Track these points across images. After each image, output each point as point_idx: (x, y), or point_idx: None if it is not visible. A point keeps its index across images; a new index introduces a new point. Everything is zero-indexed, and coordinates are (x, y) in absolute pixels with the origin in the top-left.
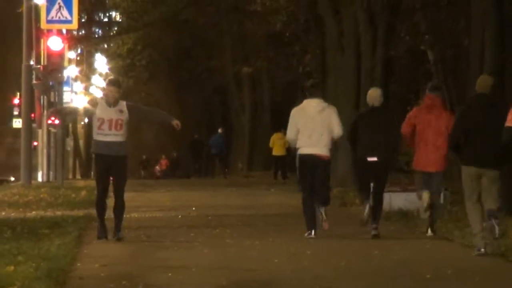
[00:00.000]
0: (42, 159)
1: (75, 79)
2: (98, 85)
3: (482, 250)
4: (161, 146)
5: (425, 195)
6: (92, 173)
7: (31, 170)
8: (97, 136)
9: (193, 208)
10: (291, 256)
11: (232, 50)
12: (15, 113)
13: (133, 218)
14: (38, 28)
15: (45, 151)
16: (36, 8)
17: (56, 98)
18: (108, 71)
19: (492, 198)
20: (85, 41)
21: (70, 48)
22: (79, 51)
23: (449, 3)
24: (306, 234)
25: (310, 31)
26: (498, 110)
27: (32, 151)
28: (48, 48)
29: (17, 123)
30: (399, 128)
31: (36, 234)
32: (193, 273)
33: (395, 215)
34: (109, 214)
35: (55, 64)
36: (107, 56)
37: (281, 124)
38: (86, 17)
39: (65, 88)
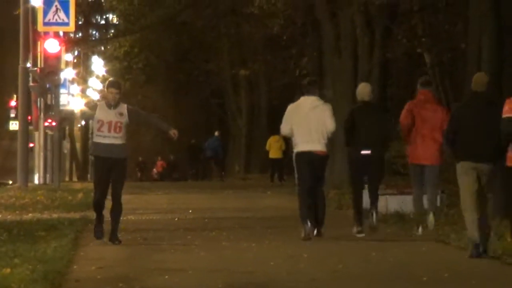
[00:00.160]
0: (38, 161)
1: (72, 82)
2: (95, 87)
3: (480, 248)
4: (158, 149)
5: (430, 218)
6: (88, 175)
7: (28, 172)
8: (97, 138)
9: (190, 211)
10: (287, 258)
11: (229, 53)
12: (12, 115)
13: (130, 220)
14: (35, 31)
15: (41, 153)
16: (33, 10)
17: (53, 101)
18: (105, 73)
19: (487, 198)
20: (82, 44)
21: (67, 51)
22: (76, 53)
23: (446, 6)
24: (302, 231)
25: (307, 34)
26: (494, 108)
27: (28, 154)
28: (45, 50)
29: (14, 126)
30: (390, 121)
31: (33, 237)
32: (189, 276)
33: (391, 218)
34: (106, 216)
35: (52, 67)
36: (104, 59)
37: (278, 127)
38: (83, 19)
39: (62, 91)
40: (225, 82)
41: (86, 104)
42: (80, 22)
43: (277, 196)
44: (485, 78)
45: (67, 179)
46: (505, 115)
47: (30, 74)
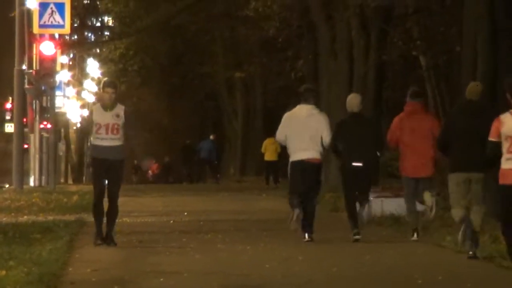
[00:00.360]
0: (34, 163)
1: (67, 84)
2: (91, 89)
3: (470, 252)
4: (153, 152)
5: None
6: (84, 178)
7: (23, 174)
8: (95, 141)
9: (185, 213)
10: (283, 261)
11: (224, 56)
12: (7, 117)
13: (125, 223)
14: (31, 33)
15: (37, 155)
16: (29, 12)
17: (48, 103)
18: (100, 75)
19: (478, 206)
20: (77, 46)
21: (62, 53)
22: (71, 55)
23: (441, 8)
24: (292, 226)
25: (303, 37)
26: (486, 117)
27: (24, 156)
28: (40, 52)
29: (9, 128)
30: (380, 131)
31: (28, 239)
32: (185, 278)
33: (387, 221)
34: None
35: (47, 69)
36: (99, 61)
37: (273, 130)
38: (78, 21)
39: (57, 93)
40: (220, 84)
41: (83, 121)
42: (75, 25)
43: (272, 198)
44: (479, 88)
45: (62, 181)
46: (490, 138)
47: (26, 76)
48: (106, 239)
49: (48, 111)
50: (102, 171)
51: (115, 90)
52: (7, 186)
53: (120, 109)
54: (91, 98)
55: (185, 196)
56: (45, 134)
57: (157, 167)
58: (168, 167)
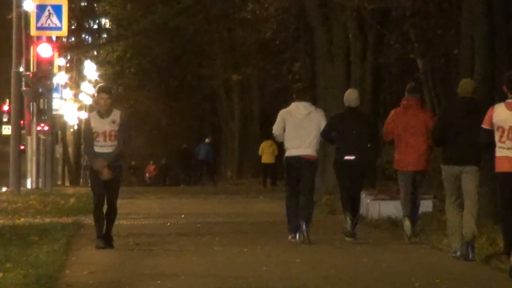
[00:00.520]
0: (31, 166)
1: (65, 86)
2: (88, 92)
3: (458, 253)
4: (150, 153)
5: (407, 223)
6: (81, 180)
7: (20, 177)
8: (95, 148)
9: (182, 216)
10: (280, 263)
11: (222, 58)
12: (4, 120)
13: (122, 225)
14: (28, 35)
15: (34, 158)
16: (26, 15)
17: (46, 105)
18: (97, 78)
19: (471, 200)
20: (74, 49)
21: (59, 55)
22: (68, 58)
23: (439, 11)
24: (289, 237)
25: (300, 39)
26: (478, 113)
27: (21, 158)
28: (37, 55)
29: (6, 130)
30: (376, 126)
31: (25, 241)
32: (181, 281)
33: (384, 223)
34: None
35: (44, 71)
36: (96, 63)
37: (270, 132)
38: (75, 24)
39: (55, 95)
40: (217, 87)
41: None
42: (73, 27)
43: (270, 201)
44: (471, 84)
45: (59, 183)
46: (483, 125)
47: (23, 79)
48: (104, 238)
49: (45, 113)
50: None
51: (110, 95)
52: (4, 189)
53: (116, 115)
54: (88, 101)
55: (182, 199)
56: (42, 136)
57: (154, 169)
58: (165, 169)
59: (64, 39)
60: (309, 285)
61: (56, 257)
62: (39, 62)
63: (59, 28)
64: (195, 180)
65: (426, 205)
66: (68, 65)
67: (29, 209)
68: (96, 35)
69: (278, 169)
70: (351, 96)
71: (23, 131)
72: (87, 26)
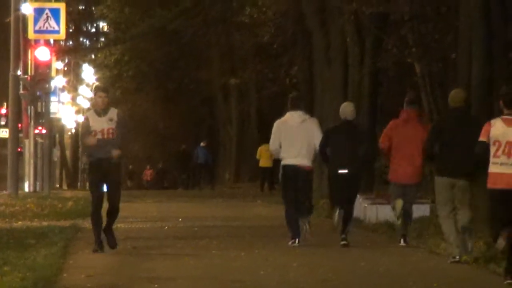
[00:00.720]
0: (29, 169)
1: (62, 90)
2: (86, 95)
3: (457, 257)
4: (148, 156)
5: (398, 202)
6: (78, 183)
7: (18, 180)
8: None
9: (180, 219)
10: (277, 267)
11: (219, 62)
12: (2, 123)
13: (120, 228)
14: (26, 38)
15: (31, 161)
16: (24, 18)
17: (43, 108)
18: (95, 81)
19: (464, 209)
20: (72, 52)
21: (57, 59)
22: (66, 61)
23: (437, 16)
24: (290, 243)
25: (298, 43)
26: (470, 124)
27: (18, 161)
28: (35, 58)
29: (4, 133)
30: (372, 140)
31: (23, 244)
32: (179, 284)
33: (381, 227)
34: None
35: (42, 75)
36: (94, 67)
37: (268, 136)
38: (73, 27)
39: (52, 98)
40: (215, 90)
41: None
42: (70, 30)
43: (267, 205)
44: (462, 94)
45: (57, 186)
46: (480, 138)
47: (21, 82)
48: (104, 231)
49: (43, 116)
50: (100, 176)
51: (107, 94)
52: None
53: (113, 113)
54: (86, 104)
55: (179, 202)
56: (39, 140)
57: (150, 174)
58: (162, 173)
59: (62, 43)
60: None
61: (53, 260)
62: (37, 65)
63: (57, 32)
64: (194, 184)
65: (423, 210)
66: (66, 68)
67: (26, 212)
68: (94, 39)
69: (276, 173)
70: (347, 109)
71: (20, 134)
72: (85, 29)
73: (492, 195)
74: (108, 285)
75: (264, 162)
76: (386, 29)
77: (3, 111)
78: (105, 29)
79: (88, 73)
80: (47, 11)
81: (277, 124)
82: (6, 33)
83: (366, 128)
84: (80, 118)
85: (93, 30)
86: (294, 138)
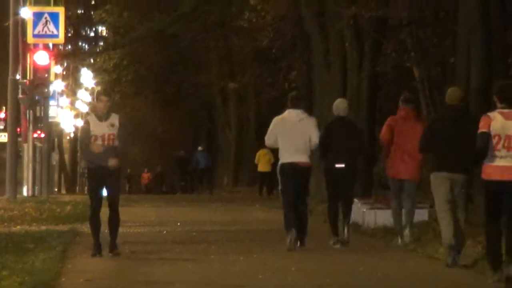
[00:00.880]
0: (27, 173)
1: (61, 94)
2: (84, 99)
3: (453, 243)
4: (146, 160)
5: (406, 232)
6: (77, 188)
7: (16, 184)
8: (92, 152)
9: (178, 224)
10: (275, 271)
11: (218, 66)
12: (1, 127)
13: (119, 233)
14: (25, 43)
15: (30, 165)
16: (23, 22)
17: (42, 113)
18: (94, 86)
19: (460, 208)
20: (71, 56)
21: (56, 63)
22: (65, 65)
23: (435, 20)
24: (287, 244)
25: (297, 48)
26: (467, 121)
27: (17, 165)
28: (34, 62)
29: (3, 137)
30: (363, 135)
31: (21, 249)
32: None
33: (380, 232)
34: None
35: (41, 79)
36: (93, 71)
37: None
38: (72, 31)
39: (51, 103)
40: (214, 94)
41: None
42: (69, 35)
43: (265, 209)
44: (459, 93)
45: (56, 190)
46: (480, 130)
47: (20, 86)
48: (110, 249)
49: (41, 120)
50: (100, 181)
51: (109, 98)
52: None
53: (114, 118)
54: (84, 108)
55: (178, 207)
56: (38, 144)
57: (148, 177)
58: (160, 176)
59: (61, 47)
60: None
61: (52, 264)
62: (36, 69)
63: (56, 36)
64: (192, 188)
65: (421, 214)
66: (64, 72)
67: (25, 217)
68: (93, 43)
69: (274, 177)
70: (340, 105)
71: (19, 139)
72: (84, 33)
73: (488, 186)
74: None
75: (263, 166)
76: (385, 34)
77: (2, 115)
78: (104, 33)
79: (87, 77)
80: (46, 15)
81: (274, 121)
82: (5, 37)
83: (359, 126)
84: (79, 123)
85: (92, 34)
86: (292, 136)
